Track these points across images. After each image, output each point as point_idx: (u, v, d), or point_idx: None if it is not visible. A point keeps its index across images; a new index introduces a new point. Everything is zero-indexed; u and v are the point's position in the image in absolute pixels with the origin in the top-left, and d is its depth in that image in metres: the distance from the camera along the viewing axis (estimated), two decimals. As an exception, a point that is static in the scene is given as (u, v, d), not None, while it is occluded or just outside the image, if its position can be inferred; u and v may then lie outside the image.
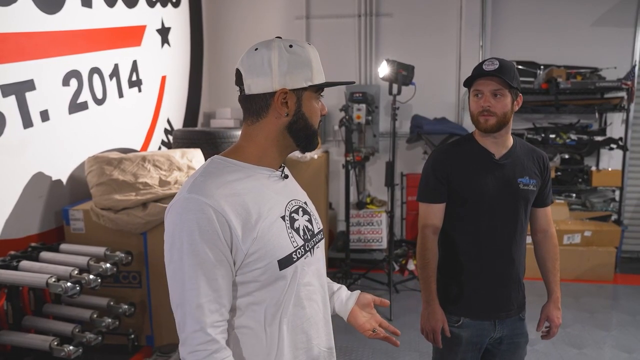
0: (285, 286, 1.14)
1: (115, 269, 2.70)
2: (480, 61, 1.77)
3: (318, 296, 1.25)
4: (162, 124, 4.48)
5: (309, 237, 1.21)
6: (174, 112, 4.72)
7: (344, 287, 1.43)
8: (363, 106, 4.81)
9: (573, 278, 4.56)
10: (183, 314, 1.05)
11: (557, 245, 1.95)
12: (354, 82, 1.39)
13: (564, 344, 3.40)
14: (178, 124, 4.77)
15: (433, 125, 5.00)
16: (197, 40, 5.19)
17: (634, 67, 4.92)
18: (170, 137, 4.49)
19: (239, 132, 3.64)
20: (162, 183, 3.08)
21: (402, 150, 5.33)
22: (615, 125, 5.09)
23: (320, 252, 1.27)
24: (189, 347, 1.05)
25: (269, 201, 1.14)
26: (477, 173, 1.79)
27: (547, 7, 5.04)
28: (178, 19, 4.74)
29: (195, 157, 3.36)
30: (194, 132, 3.65)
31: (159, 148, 4.41)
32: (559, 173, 5.03)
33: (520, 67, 4.85)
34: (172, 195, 2.92)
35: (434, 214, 1.84)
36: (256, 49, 1.13)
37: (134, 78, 4.00)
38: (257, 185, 1.13)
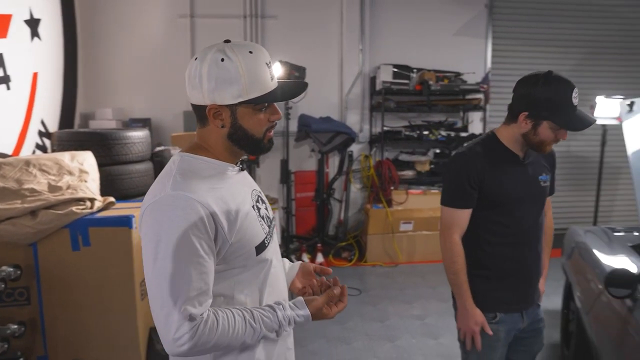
0: (262, 270, 1.23)
1: (3, 286, 2.44)
2: (573, 100, 1.66)
3: (282, 276, 1.36)
4: (35, 126, 4.07)
5: (269, 224, 1.29)
6: (49, 112, 4.32)
7: (286, 260, 1.50)
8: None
9: (449, 259, 5.10)
10: (170, 309, 1.06)
11: (552, 227, 2.05)
12: (305, 88, 1.25)
13: (449, 315, 3.80)
14: (53, 126, 4.38)
15: (320, 124, 5.22)
16: (70, 35, 4.79)
17: (487, 72, 5.65)
18: (46, 140, 4.11)
19: (135, 133, 3.53)
20: (53, 189, 2.83)
21: (289, 148, 5.47)
22: (475, 123, 5.78)
23: (275, 236, 1.34)
24: (177, 341, 1.06)
25: (240, 193, 1.21)
26: (508, 176, 1.81)
27: (418, 16, 5.55)
28: (48, 10, 4.34)
29: (86, 160, 3.13)
30: (82, 134, 3.40)
31: (34, 152, 4.01)
32: (432, 166, 5.58)
33: (395, 69, 5.29)
34: (66, 201, 2.71)
35: (463, 219, 1.82)
36: (195, 58, 1.14)
37: (0, 74, 3.60)
38: (227, 180, 1.19)
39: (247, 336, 1.15)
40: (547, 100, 1.66)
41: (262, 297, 1.24)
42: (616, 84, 5.79)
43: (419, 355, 3.21)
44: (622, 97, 4.69)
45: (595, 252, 2.76)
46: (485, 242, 1.84)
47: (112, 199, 2.98)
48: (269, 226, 1.28)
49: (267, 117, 1.19)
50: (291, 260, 1.53)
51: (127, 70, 5.21)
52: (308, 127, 5.18)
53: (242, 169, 1.27)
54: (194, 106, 1.18)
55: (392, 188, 5.29)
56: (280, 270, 1.35)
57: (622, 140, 5.33)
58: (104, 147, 3.33)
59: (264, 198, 1.34)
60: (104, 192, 3.09)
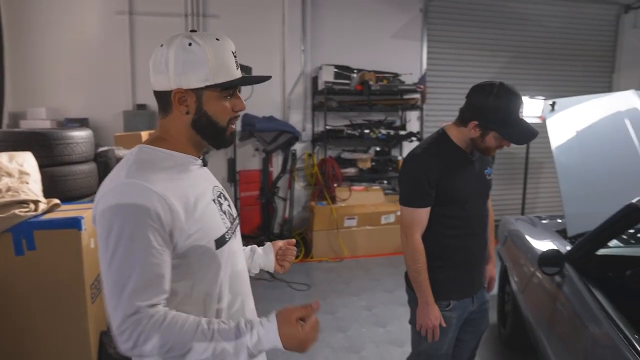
0: (221, 266, 1.18)
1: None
2: (520, 114, 1.78)
3: (245, 277, 1.32)
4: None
5: (232, 221, 1.26)
6: (-24, 111, 4.08)
7: (255, 246, 1.54)
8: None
9: (392, 251, 5.31)
10: (116, 302, 1.01)
11: (493, 217, 2.17)
12: (268, 79, 1.26)
13: (394, 304, 3.99)
14: (-20, 126, 4.13)
15: (264, 123, 5.27)
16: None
17: (424, 74, 5.93)
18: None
19: (77, 133, 3.41)
20: (-8, 191, 2.70)
21: (230, 148, 5.46)
22: (413, 121, 6.05)
23: (239, 234, 1.33)
24: (121, 335, 1.01)
25: (200, 186, 1.18)
26: (460, 174, 1.91)
27: (357, 19, 5.73)
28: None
29: (26, 161, 3.01)
30: (21, 134, 3.24)
31: (-39, 154, 3.77)
32: (373, 163, 5.78)
33: (337, 70, 5.43)
34: (7, 204, 2.60)
35: (423, 217, 1.89)
36: (161, 45, 1.13)
37: None
38: (187, 173, 1.16)
39: (198, 338, 1.03)
40: (496, 114, 1.76)
41: (222, 295, 1.20)
42: (538, 86, 6.27)
43: (370, 342, 3.36)
44: (543, 97, 5.11)
45: (527, 238, 3.03)
46: (440, 235, 1.93)
47: (57, 200, 2.88)
48: (231, 223, 1.24)
49: (232, 107, 1.18)
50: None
51: (62, 68, 4.98)
52: (252, 127, 5.21)
53: (204, 164, 1.25)
54: (158, 94, 1.16)
55: (335, 185, 5.43)
56: (243, 269, 1.32)
57: (545, 137, 5.76)
58: (45, 147, 3.19)
59: (227, 196, 1.31)
60: (46, 194, 2.98)
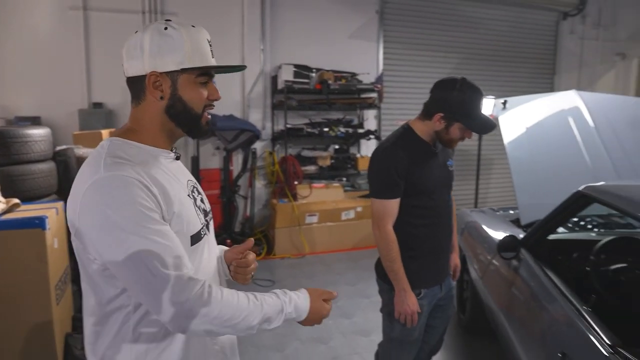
0: (194, 262, 1.14)
1: None
2: (480, 107, 1.93)
3: (216, 275, 1.30)
4: None
5: (205, 216, 1.23)
6: None
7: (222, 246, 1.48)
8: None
9: (352, 247, 5.45)
10: (162, 282, 0.99)
11: (455, 208, 2.29)
12: (244, 68, 1.28)
13: (358, 297, 4.11)
14: None
15: (225, 122, 5.27)
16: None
17: (381, 74, 6.11)
18: None
19: (35, 131, 3.32)
20: (-50, 191, 2.61)
21: (193, 146, 5.44)
22: (370, 120, 6.21)
23: (212, 230, 1.30)
24: (184, 304, 0.99)
25: (175, 180, 1.15)
26: (426, 165, 2.01)
27: (316, 19, 5.82)
28: None
29: (-17, 160, 2.92)
30: (-25, 132, 3.12)
31: None
32: (333, 161, 5.89)
33: (296, 69, 5.51)
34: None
35: (394, 208, 1.97)
36: (136, 32, 1.12)
37: None
38: (160, 167, 1.13)
39: (253, 310, 1.08)
40: (460, 106, 1.89)
41: None
42: (487, 86, 6.56)
43: (337, 333, 3.46)
44: (493, 97, 5.38)
45: (484, 228, 3.22)
46: (409, 225, 2.01)
47: (16, 200, 2.81)
48: (205, 218, 1.22)
49: (207, 95, 1.17)
50: None
51: (11, 65, 4.79)
52: (213, 125, 5.19)
53: (177, 157, 1.22)
54: (131, 81, 1.13)
55: (296, 183, 5.50)
56: (214, 267, 1.29)
57: (494, 135, 6.03)
58: (2, 146, 3.10)
59: (200, 189, 1.27)
60: (4, 193, 2.90)
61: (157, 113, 1.14)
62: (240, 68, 1.24)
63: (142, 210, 1.00)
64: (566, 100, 3.60)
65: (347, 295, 4.16)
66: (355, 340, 3.37)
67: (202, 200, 1.24)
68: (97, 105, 4.98)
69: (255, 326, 1.09)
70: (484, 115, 1.94)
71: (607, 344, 1.48)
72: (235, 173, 5.59)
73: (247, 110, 5.68)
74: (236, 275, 1.40)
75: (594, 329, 1.58)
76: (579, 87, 5.29)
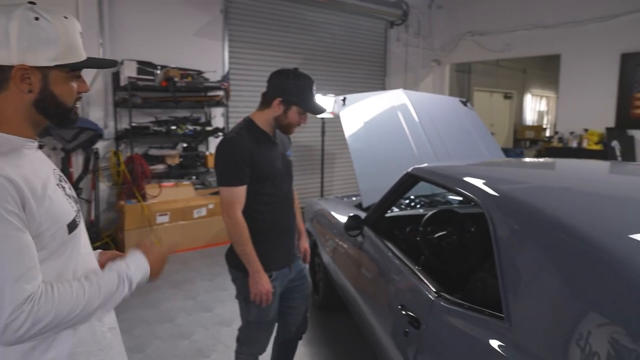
0: (73, 252, 1.16)
1: None
2: (314, 91, 2.15)
3: (92, 258, 1.31)
4: None
5: (76, 203, 1.23)
6: None
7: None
8: None
9: (205, 244, 5.46)
10: (1, 292, 0.98)
11: (297, 197, 2.44)
12: (116, 64, 1.31)
13: (217, 290, 4.17)
14: None
15: (61, 120, 4.87)
16: None
17: (227, 72, 6.20)
18: None
19: None
20: None
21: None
22: (218, 118, 6.26)
23: (82, 219, 1.28)
24: (12, 323, 0.98)
25: (43, 171, 1.12)
26: (268, 153, 2.15)
27: (158, 15, 5.66)
28: None
29: None
30: None
31: None
32: (182, 159, 5.82)
33: (140, 65, 5.32)
34: None
35: (241, 195, 2.09)
36: None
37: None
38: (25, 157, 1.10)
39: (91, 295, 1.10)
40: (296, 89, 2.09)
41: (75, 278, 1.16)
42: (328, 85, 7.09)
43: (199, 327, 3.50)
44: (333, 95, 5.85)
45: (332, 214, 3.54)
46: (255, 211, 2.15)
47: None
48: (76, 206, 1.22)
49: (77, 88, 1.16)
50: None
51: None
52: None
53: (41, 146, 1.19)
54: None
55: (145, 182, 5.33)
56: (91, 252, 1.31)
57: (336, 131, 6.51)
58: None
59: (65, 178, 1.26)
60: None
61: (23, 105, 1.10)
62: (113, 63, 1.26)
63: (2, 213, 0.97)
64: (395, 97, 4.12)
65: (206, 290, 4.20)
66: (218, 331, 3.45)
67: (69, 189, 1.24)
68: None
69: (97, 309, 1.13)
70: (316, 100, 2.19)
71: (433, 291, 1.82)
72: (76, 175, 5.20)
73: (87, 107, 5.32)
74: None
75: (423, 282, 1.93)
76: (406, 88, 6.01)
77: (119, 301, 1.20)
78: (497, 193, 1.72)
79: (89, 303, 1.11)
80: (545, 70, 11.83)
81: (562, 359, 1.20)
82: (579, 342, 1.16)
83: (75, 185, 5.13)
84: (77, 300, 1.08)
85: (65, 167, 5.03)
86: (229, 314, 3.68)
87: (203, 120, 6.07)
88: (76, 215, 1.18)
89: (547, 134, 11.52)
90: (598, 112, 6.65)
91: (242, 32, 6.46)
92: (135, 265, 1.24)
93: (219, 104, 6.00)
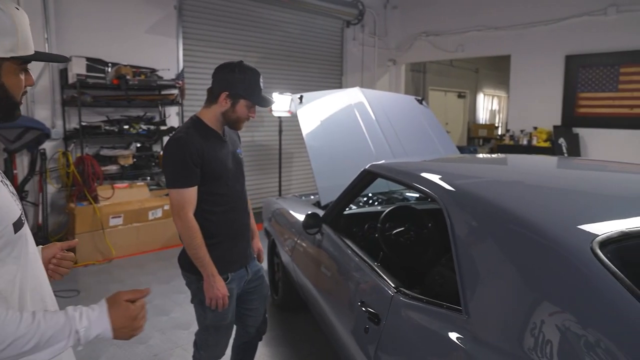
0: (21, 252, 1.12)
1: None
2: (261, 84, 2.07)
3: (39, 260, 1.26)
4: None
5: (19, 203, 1.19)
6: None
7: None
8: None
9: (161, 246, 5.32)
10: None
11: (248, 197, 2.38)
12: (67, 60, 1.30)
13: (173, 293, 4.07)
14: None
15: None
16: None
17: (181, 70, 6.06)
18: None
19: None
20: None
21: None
22: (173, 117, 6.12)
23: (26, 222, 1.24)
24: None
25: None
26: (218, 152, 2.07)
27: (110, 10, 5.46)
28: None
29: None
30: None
31: None
32: (135, 159, 5.65)
33: (89, 63, 5.12)
34: None
35: (192, 196, 1.99)
36: None
37: None
38: None
39: (24, 334, 0.99)
40: (243, 83, 2.02)
41: (24, 280, 1.13)
42: (284, 83, 7.07)
43: (156, 331, 3.40)
44: (290, 93, 5.82)
45: (290, 212, 3.52)
46: (208, 212, 2.07)
47: None
48: (20, 204, 1.19)
49: (25, 81, 1.14)
50: None
51: None
52: (-12, 123, 4.53)
53: None
54: None
55: (96, 184, 5.14)
56: (37, 253, 1.25)
57: (293, 131, 6.47)
58: None
59: (6, 177, 1.21)
60: None
61: None
62: (64, 59, 1.26)
63: None
64: (352, 96, 4.14)
65: (162, 293, 4.09)
66: (176, 335, 3.36)
67: (11, 187, 1.18)
68: None
69: (28, 350, 1.00)
70: (263, 93, 2.14)
71: (392, 287, 1.83)
72: (20, 177, 4.96)
73: (32, 106, 5.07)
74: (54, 274, 1.38)
75: (382, 277, 1.94)
76: (363, 87, 6.05)
77: (60, 352, 1.06)
78: (454, 188, 1.75)
79: (16, 342, 0.98)
80: (496, 71, 12.25)
81: (518, 348, 1.23)
82: (533, 332, 1.19)
83: (21, 188, 4.89)
84: (4, 335, 0.97)
85: (8, 169, 4.78)
86: (186, 317, 3.60)
87: (157, 119, 5.91)
88: (21, 214, 1.14)
89: (499, 132, 11.92)
90: (546, 111, 6.93)
91: (196, 29, 6.34)
92: (91, 318, 1.09)
93: (173, 102, 5.86)
